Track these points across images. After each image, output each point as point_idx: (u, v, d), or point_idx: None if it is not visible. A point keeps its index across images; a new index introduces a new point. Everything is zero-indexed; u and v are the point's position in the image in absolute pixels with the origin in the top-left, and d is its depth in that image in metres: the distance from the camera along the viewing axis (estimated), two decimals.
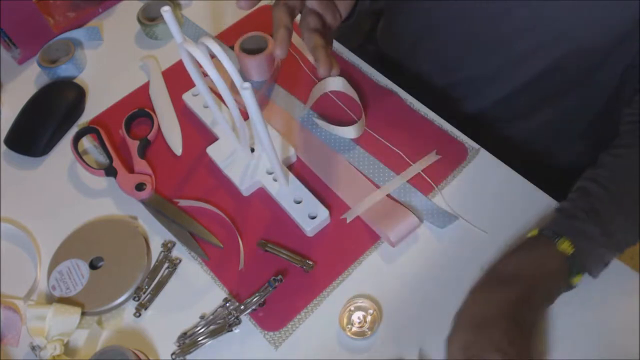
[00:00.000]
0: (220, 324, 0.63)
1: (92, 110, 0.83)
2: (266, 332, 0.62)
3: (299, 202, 0.68)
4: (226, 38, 0.87)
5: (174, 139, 0.77)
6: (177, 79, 0.83)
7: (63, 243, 0.70)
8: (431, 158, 0.71)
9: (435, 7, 0.77)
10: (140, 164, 0.75)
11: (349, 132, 0.73)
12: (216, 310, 0.64)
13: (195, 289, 0.66)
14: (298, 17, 0.65)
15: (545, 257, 0.56)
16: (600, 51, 0.68)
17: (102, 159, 0.78)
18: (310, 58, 0.81)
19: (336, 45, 0.83)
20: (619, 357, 0.58)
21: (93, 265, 0.68)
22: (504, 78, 0.77)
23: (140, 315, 0.65)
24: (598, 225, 0.56)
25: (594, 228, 0.56)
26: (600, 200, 0.58)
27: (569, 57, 0.69)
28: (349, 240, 0.67)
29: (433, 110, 0.76)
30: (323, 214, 0.67)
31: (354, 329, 0.61)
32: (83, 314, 0.64)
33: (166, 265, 0.68)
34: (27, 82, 0.88)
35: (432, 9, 0.77)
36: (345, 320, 0.62)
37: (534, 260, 0.56)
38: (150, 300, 0.66)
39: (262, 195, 0.71)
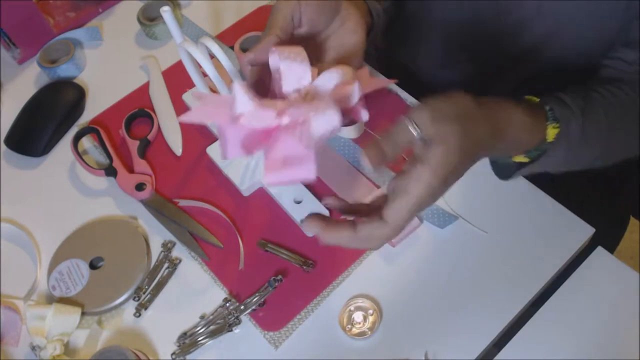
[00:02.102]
0: (220, 324, 0.63)
1: (92, 110, 0.83)
2: (266, 332, 0.62)
3: (299, 202, 0.68)
4: (226, 38, 0.87)
5: (174, 139, 0.77)
6: (177, 79, 0.83)
7: (63, 243, 0.70)
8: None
9: (434, 7, 0.76)
10: (140, 164, 0.75)
11: (349, 132, 0.73)
12: (216, 310, 0.64)
13: (195, 289, 0.66)
14: None
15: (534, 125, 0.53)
16: (601, 41, 0.68)
17: (102, 159, 0.78)
18: None
19: None
20: (619, 357, 0.58)
21: (93, 265, 0.68)
22: (505, 76, 0.77)
23: (140, 315, 0.65)
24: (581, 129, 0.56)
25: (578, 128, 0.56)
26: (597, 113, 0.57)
27: (571, 49, 0.69)
28: None
29: None
30: (323, 214, 0.66)
31: (354, 329, 0.61)
32: (83, 314, 0.64)
33: (166, 265, 0.68)
34: (27, 82, 0.88)
35: (431, 9, 0.77)
36: (345, 320, 0.62)
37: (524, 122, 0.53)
38: (150, 300, 0.66)
39: (262, 195, 0.71)
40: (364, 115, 0.52)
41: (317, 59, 0.59)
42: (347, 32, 0.59)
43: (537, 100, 0.55)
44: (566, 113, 0.56)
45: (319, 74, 0.53)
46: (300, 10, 0.56)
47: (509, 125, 0.50)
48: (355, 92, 0.50)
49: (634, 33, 0.63)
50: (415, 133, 0.46)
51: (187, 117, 0.50)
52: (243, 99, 0.47)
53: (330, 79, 0.51)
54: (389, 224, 0.47)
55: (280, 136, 0.48)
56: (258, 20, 0.88)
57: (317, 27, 0.58)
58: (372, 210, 0.49)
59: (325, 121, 0.47)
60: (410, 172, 0.46)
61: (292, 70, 0.51)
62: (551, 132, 0.54)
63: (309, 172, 0.47)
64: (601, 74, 0.66)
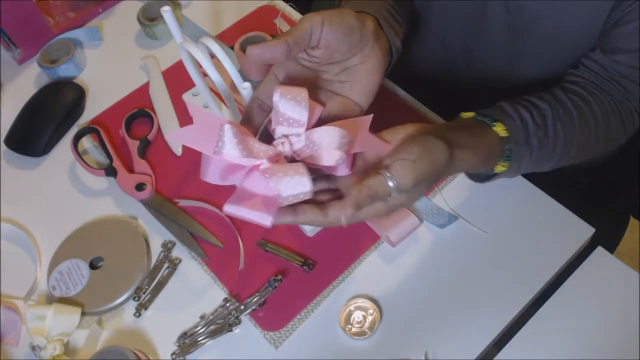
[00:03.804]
0: (220, 324, 0.63)
1: (92, 110, 0.83)
2: (266, 332, 0.62)
3: None
4: (226, 38, 0.87)
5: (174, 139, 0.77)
6: (177, 79, 0.83)
7: (63, 243, 0.70)
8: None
9: (434, 6, 0.76)
10: (140, 164, 0.75)
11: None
12: (216, 310, 0.64)
13: (195, 289, 0.66)
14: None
15: (486, 133, 0.58)
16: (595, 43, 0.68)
17: (102, 159, 0.78)
18: None
19: None
20: (619, 357, 0.58)
21: (93, 265, 0.68)
22: (504, 79, 0.77)
23: (140, 315, 0.65)
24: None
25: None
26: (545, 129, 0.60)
27: (570, 51, 0.69)
28: (349, 240, 0.67)
29: (433, 111, 0.76)
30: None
31: (354, 329, 0.61)
32: (83, 314, 0.65)
33: (166, 265, 0.68)
34: (27, 82, 0.88)
35: (431, 7, 0.77)
36: (345, 320, 0.62)
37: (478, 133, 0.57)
38: (150, 300, 0.66)
39: None
40: (341, 171, 0.53)
41: (327, 89, 0.58)
42: (365, 72, 0.57)
43: (506, 134, 0.57)
44: (521, 150, 0.58)
45: (323, 120, 0.53)
46: (322, 31, 0.53)
47: (466, 168, 0.57)
48: (343, 165, 0.52)
49: (613, 42, 0.63)
50: (393, 189, 0.49)
51: (173, 136, 0.51)
52: (230, 145, 0.49)
53: (327, 137, 0.51)
54: (329, 220, 0.51)
55: (255, 175, 0.50)
56: (258, 20, 0.88)
57: (334, 55, 0.56)
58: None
59: (294, 187, 0.48)
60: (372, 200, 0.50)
61: (287, 114, 0.52)
62: (499, 168, 0.59)
63: (266, 220, 0.49)
64: (578, 73, 0.67)
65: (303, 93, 0.52)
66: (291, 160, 0.52)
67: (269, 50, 0.52)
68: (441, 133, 0.53)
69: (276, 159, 0.51)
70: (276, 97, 0.51)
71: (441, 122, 0.60)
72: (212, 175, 0.51)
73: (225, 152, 0.49)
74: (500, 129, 0.57)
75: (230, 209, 0.49)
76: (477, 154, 0.55)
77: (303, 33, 0.53)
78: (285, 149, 0.52)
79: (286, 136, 0.52)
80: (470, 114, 0.59)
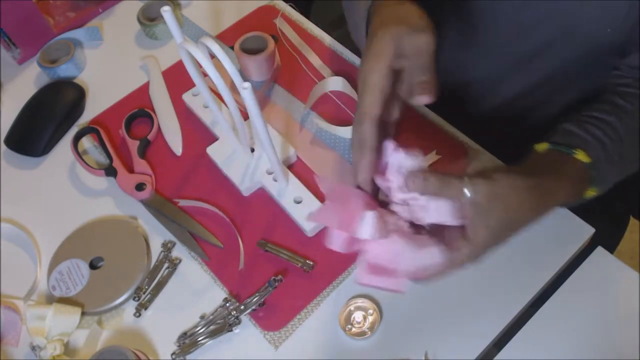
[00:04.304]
0: (220, 324, 0.63)
1: (92, 110, 0.83)
2: (266, 332, 0.63)
3: (299, 202, 0.68)
4: (226, 38, 0.87)
5: (174, 139, 0.77)
6: (177, 79, 0.83)
7: (63, 243, 0.70)
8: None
9: (439, 6, 0.76)
10: (140, 164, 0.75)
11: (349, 132, 0.73)
12: (216, 310, 0.64)
13: (195, 289, 0.66)
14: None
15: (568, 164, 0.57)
16: (610, 44, 0.67)
17: (102, 159, 0.78)
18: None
19: (337, 45, 0.83)
20: (619, 357, 0.58)
21: (93, 265, 0.68)
22: (508, 80, 0.77)
23: (140, 315, 0.65)
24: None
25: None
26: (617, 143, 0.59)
27: (577, 52, 0.69)
28: None
29: (434, 111, 0.75)
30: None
31: (354, 329, 0.61)
32: (83, 314, 0.65)
33: (166, 265, 0.68)
34: (27, 82, 0.88)
35: (435, 7, 0.77)
36: (345, 320, 0.62)
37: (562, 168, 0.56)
38: (150, 300, 0.66)
39: (262, 195, 0.71)
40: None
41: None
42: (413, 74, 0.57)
43: (589, 160, 0.56)
44: (606, 171, 0.58)
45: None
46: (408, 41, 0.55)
47: (554, 204, 0.54)
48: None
49: None
50: (468, 196, 0.48)
51: (317, 219, 0.56)
52: (370, 229, 0.50)
53: (441, 211, 0.51)
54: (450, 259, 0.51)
55: (384, 246, 0.51)
56: (258, 20, 0.88)
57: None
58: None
59: (425, 259, 0.50)
60: (457, 244, 0.50)
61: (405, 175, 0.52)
62: (589, 194, 0.58)
63: (402, 286, 0.51)
64: (623, 74, 0.66)
65: (420, 155, 0.52)
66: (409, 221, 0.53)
67: (388, 80, 0.53)
68: (526, 172, 0.52)
69: (402, 228, 0.53)
70: (396, 159, 0.52)
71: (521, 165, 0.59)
72: (338, 244, 0.53)
73: (364, 235, 0.51)
74: (582, 156, 0.56)
75: (365, 279, 0.52)
76: (566, 190, 0.55)
77: (426, 50, 0.55)
78: (406, 214, 0.53)
79: (405, 202, 0.53)
80: (544, 145, 0.58)
